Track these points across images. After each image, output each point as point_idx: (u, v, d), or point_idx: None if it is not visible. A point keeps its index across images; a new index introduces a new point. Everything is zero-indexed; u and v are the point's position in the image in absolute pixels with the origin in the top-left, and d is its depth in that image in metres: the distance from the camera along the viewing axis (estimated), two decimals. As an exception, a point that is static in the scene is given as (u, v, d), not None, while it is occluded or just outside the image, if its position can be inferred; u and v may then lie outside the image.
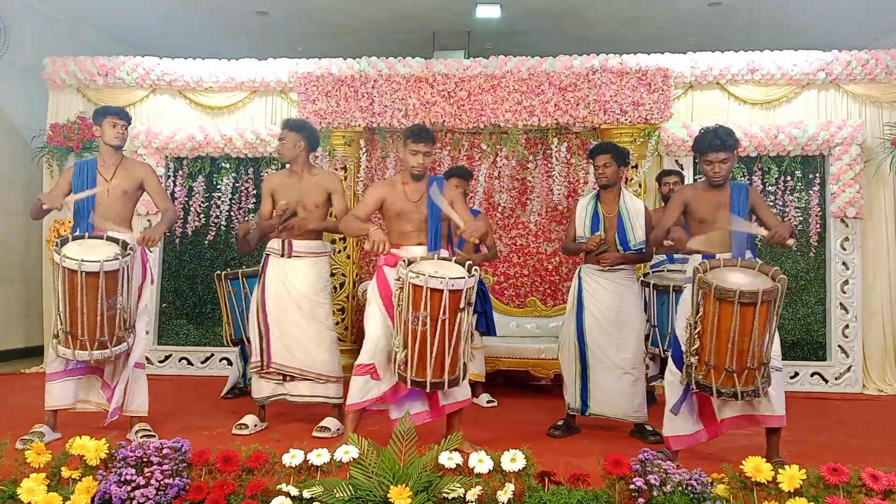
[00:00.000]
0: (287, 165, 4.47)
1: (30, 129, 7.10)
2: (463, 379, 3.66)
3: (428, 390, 3.57)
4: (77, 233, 4.02)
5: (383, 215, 4.04)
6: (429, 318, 3.44)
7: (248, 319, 4.49)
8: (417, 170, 3.90)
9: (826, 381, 6.25)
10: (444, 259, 3.74)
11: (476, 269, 3.57)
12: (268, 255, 4.39)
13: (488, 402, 5.31)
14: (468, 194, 5.61)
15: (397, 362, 3.56)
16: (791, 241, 3.68)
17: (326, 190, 4.39)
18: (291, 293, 4.30)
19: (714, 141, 3.76)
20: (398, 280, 3.53)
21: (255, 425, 4.29)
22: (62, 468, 2.95)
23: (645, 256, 4.51)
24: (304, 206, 4.32)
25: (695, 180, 6.36)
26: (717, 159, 3.77)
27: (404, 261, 3.57)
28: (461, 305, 3.49)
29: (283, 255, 4.33)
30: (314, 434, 4.13)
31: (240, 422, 4.27)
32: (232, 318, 5.08)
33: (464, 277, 3.48)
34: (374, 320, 3.81)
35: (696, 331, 3.48)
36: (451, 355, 3.53)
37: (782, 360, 6.11)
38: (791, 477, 2.76)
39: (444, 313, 3.44)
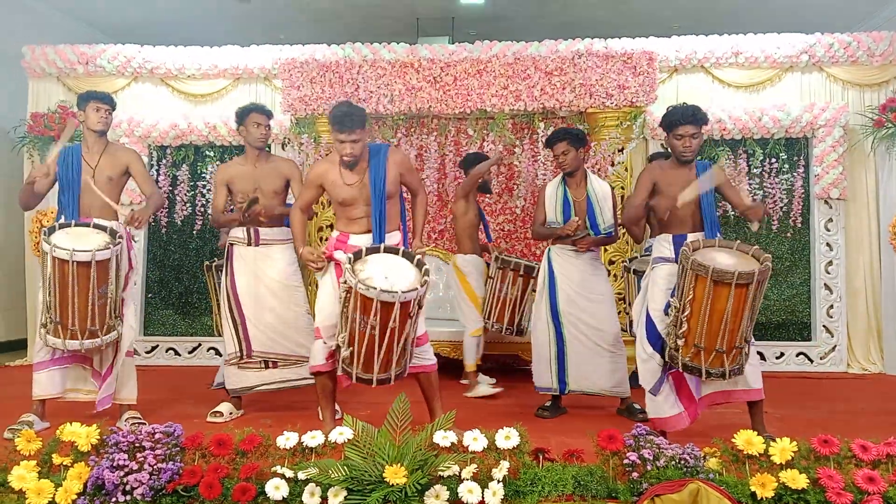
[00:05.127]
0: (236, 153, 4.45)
1: (10, 119, 6.99)
2: (407, 368, 3.54)
3: (374, 385, 3.44)
4: (62, 220, 3.96)
5: (330, 199, 3.88)
6: (378, 325, 3.29)
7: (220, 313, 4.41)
8: (348, 159, 3.67)
9: (811, 361, 6.33)
10: (392, 252, 3.54)
11: (428, 270, 3.41)
12: (232, 244, 4.33)
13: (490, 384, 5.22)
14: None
15: (342, 357, 3.41)
16: (755, 227, 3.72)
17: (284, 176, 4.36)
18: (264, 280, 4.27)
19: (685, 112, 3.80)
20: (345, 283, 3.35)
21: (231, 413, 4.28)
22: (53, 455, 2.92)
23: (612, 239, 4.61)
24: (262, 194, 4.26)
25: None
26: (687, 133, 3.79)
27: (350, 258, 3.41)
28: (411, 312, 3.35)
29: (249, 244, 4.30)
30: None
31: (214, 409, 4.26)
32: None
33: (416, 289, 3.32)
34: (325, 289, 3.71)
35: (685, 314, 3.46)
36: (399, 353, 3.40)
37: (767, 340, 6.32)
38: (783, 449, 2.79)
39: (394, 322, 3.29)
